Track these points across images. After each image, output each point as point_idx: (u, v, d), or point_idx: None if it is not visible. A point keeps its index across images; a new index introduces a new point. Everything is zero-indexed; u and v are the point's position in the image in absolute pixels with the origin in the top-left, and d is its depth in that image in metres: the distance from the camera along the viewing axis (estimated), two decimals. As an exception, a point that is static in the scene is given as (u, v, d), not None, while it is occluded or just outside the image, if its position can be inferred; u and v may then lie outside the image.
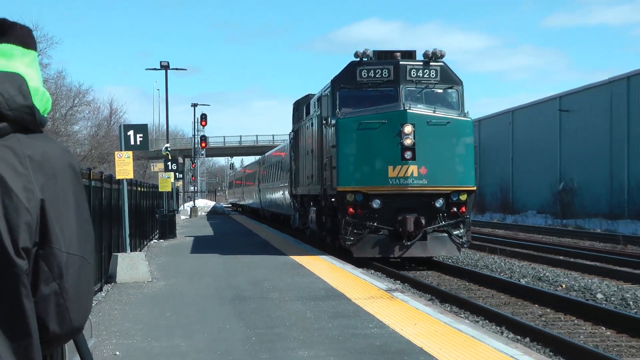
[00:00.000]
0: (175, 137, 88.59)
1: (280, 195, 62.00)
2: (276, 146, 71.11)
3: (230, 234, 53.34)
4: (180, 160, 67.77)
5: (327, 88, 34.41)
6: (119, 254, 24.84)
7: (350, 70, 33.90)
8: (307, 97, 43.43)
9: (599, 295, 22.91)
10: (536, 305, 22.32)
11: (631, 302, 21.02)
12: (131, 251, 26.33)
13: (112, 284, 23.81)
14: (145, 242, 38.26)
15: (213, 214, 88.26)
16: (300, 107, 45.96)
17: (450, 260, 37.17)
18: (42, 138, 3.37)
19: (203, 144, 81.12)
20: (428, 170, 31.42)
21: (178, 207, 63.43)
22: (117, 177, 25.69)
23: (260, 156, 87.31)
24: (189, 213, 78.29)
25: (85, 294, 3.38)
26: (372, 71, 33.73)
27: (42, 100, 3.39)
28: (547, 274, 29.48)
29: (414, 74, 33.13)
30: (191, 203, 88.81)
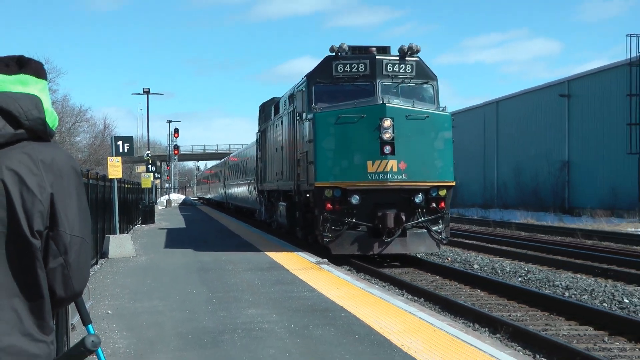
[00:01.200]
0: (154, 146, 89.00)
1: (245, 190, 54.45)
2: (232, 152, 73.53)
3: (198, 220, 55.53)
4: (158, 163, 68.70)
5: (302, 83, 28.36)
6: (111, 236, 26.44)
7: (326, 65, 28.01)
8: (273, 100, 38.59)
9: (475, 266, 25.99)
10: (429, 274, 24.19)
11: (499, 271, 24.47)
12: (120, 233, 28.42)
13: (105, 258, 25.04)
14: (131, 227, 40.95)
15: (184, 205, 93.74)
16: (267, 109, 40.37)
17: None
18: (51, 146, 3.49)
19: (175, 151, 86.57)
20: (407, 165, 25.83)
21: (156, 199, 64.72)
22: (109, 177, 27.64)
23: (224, 158, 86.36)
24: (164, 204, 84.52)
25: (84, 266, 3.49)
26: (348, 65, 27.72)
27: (51, 118, 3.52)
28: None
29: (390, 69, 27.28)
30: (166, 196, 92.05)
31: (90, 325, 4.99)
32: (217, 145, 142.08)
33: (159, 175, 72.93)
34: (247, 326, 12.79)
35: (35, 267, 3.36)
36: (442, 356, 10.63)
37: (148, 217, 49.49)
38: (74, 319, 9.50)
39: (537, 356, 12.79)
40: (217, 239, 35.07)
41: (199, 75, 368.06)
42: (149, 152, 68.25)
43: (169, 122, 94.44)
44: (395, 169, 24.38)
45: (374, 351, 10.64)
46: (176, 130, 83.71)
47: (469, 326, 15.21)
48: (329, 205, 24.44)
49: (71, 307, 8.40)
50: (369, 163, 24.61)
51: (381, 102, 24.68)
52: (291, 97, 28.82)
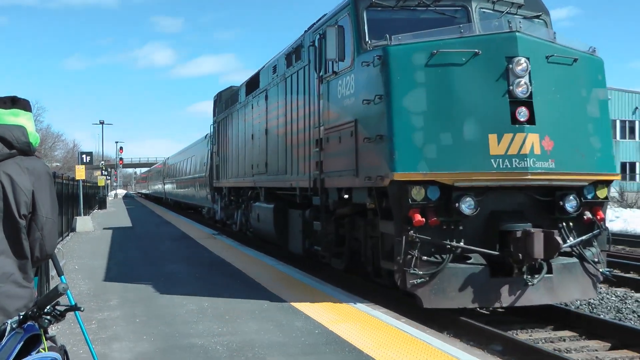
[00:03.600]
0: (106, 158, 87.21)
1: (189, 187, 40.79)
2: (166, 157, 69.10)
3: (139, 207, 59.22)
4: (109, 169, 68.60)
5: (341, 12, 11.80)
6: (77, 217, 28.10)
7: None
8: (231, 88, 25.03)
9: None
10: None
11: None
12: (83, 215, 30.06)
13: (74, 232, 26.14)
14: (91, 211, 40.43)
15: (126, 197, 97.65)
16: (224, 97, 25.10)
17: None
18: (33, 158, 3.66)
19: (120, 162, 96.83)
20: (555, 143, 9.96)
21: (107, 193, 63.35)
22: (77, 178, 30.01)
23: (157, 163, 78.31)
24: (113, 196, 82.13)
25: (53, 237, 3.72)
26: None
27: (34, 139, 3.69)
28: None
29: None
30: (115, 191, 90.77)
31: (62, 276, 5.47)
32: (147, 157, 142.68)
33: (109, 177, 75.67)
34: (169, 275, 13.67)
35: (21, 238, 3.52)
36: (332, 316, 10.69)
37: (102, 204, 54.71)
38: (53, 272, 9.82)
39: None
40: (147, 219, 36.26)
41: (143, 112, 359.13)
42: (103, 162, 74.57)
43: (117, 142, 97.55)
44: (537, 150, 9.88)
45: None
46: (121, 148, 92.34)
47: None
48: (417, 217, 9.70)
49: (51, 264, 8.89)
50: (492, 139, 9.96)
51: (508, 30, 10.13)
52: (296, 52, 14.66)
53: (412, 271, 9.31)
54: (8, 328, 3.32)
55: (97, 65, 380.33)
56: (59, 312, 3.51)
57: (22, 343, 3.34)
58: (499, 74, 9.70)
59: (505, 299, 9.66)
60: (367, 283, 12.35)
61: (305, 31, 14.12)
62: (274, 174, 16.27)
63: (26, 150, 3.62)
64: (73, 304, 4.12)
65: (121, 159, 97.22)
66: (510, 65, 9.55)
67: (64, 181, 23.75)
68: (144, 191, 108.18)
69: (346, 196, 11.60)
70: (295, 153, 14.29)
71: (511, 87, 9.55)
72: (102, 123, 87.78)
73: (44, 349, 3.47)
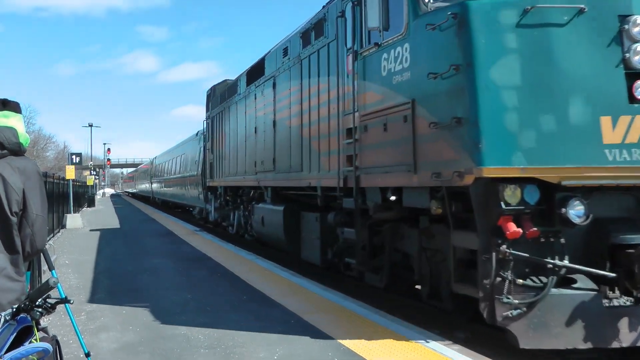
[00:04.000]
0: (95, 159, 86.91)
1: (179, 185, 36.29)
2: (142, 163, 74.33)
3: (125, 205, 58.40)
4: (97, 170, 68.88)
5: None
6: (68, 214, 27.94)
7: None
8: (225, 82, 21.88)
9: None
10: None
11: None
12: (73, 213, 29.93)
13: (64, 229, 25.96)
14: (80, 208, 39.45)
15: (114, 196, 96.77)
16: (218, 91, 21.96)
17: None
18: (24, 158, 3.64)
19: (108, 162, 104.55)
20: None
21: (96, 191, 63.16)
22: (67, 178, 29.58)
23: (143, 162, 73.20)
24: (101, 195, 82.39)
25: (43, 233, 3.68)
26: None
27: (24, 140, 3.66)
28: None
29: None
30: (103, 190, 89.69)
31: (53, 271, 5.41)
32: (134, 158, 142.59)
33: (97, 177, 76.54)
34: (154, 269, 13.71)
35: (13, 234, 3.48)
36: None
37: (91, 202, 54.67)
38: (44, 266, 9.77)
39: None
40: (134, 216, 35.86)
41: (128, 115, 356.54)
42: (91, 162, 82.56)
43: (105, 143, 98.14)
44: None
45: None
46: (109, 149, 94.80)
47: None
48: (512, 227, 6.61)
49: (43, 259, 8.86)
50: (606, 123, 6.86)
51: None
52: (316, 28, 11.78)
53: (504, 299, 6.61)
54: (2, 320, 3.42)
55: (86, 71, 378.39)
56: (50, 305, 3.61)
57: (15, 334, 3.46)
58: (610, 37, 6.98)
59: (626, 336, 6.75)
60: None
61: (328, 2, 11.35)
62: (284, 171, 13.53)
63: (17, 150, 3.60)
64: (63, 296, 4.19)
65: (109, 159, 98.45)
66: (625, 26, 6.89)
67: (55, 180, 23.80)
68: (130, 190, 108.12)
69: (393, 198, 8.67)
70: (315, 146, 11.52)
71: (627, 55, 6.89)
72: (90, 125, 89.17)
73: (36, 340, 3.58)
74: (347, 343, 7.15)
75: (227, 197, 20.58)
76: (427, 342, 7.18)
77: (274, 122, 14.30)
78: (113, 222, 31.20)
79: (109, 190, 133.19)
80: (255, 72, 16.52)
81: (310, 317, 8.49)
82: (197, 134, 29.67)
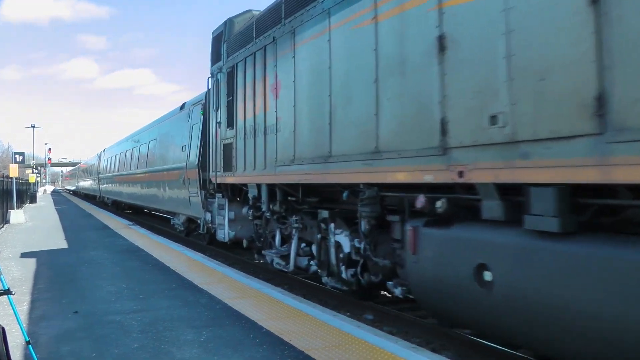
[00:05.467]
0: (37, 158, 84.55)
1: (147, 183, 23.06)
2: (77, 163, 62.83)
3: (64, 201, 56.57)
4: (39, 168, 66.79)
5: None
6: (12, 210, 27.04)
7: None
8: (250, 13, 12.24)
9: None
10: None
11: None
12: (17, 209, 28.69)
13: (8, 224, 25.16)
14: (23, 205, 36.81)
15: (54, 193, 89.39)
16: (245, 25, 11.69)
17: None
18: None
19: (49, 161, 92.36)
20: None
21: (37, 189, 61.07)
22: (10, 176, 29.56)
23: (100, 151, 45.57)
24: (42, 192, 79.08)
25: None
26: None
27: None
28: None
29: None
30: (44, 187, 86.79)
31: None
32: (72, 159, 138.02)
33: (39, 175, 73.16)
34: (92, 261, 13.47)
35: None
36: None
37: (33, 199, 53.95)
38: None
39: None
40: (72, 212, 34.81)
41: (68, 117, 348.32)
42: (34, 161, 74.86)
43: (46, 144, 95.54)
44: None
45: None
46: (50, 149, 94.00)
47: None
48: None
49: None
50: None
51: None
52: None
53: None
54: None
55: (30, 76, 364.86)
56: (-8, 296, 3.45)
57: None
58: None
59: None
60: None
61: None
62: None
63: None
64: (6, 288, 4.07)
65: (50, 158, 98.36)
66: None
67: (1, 178, 23.56)
68: (70, 188, 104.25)
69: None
70: None
71: None
72: (33, 127, 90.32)
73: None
74: (268, 325, 7.28)
75: (273, 207, 10.93)
76: (339, 322, 7.24)
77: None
78: (53, 217, 30.45)
79: (50, 188, 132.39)
80: None
81: (234, 303, 8.55)
82: (182, 107, 19.07)
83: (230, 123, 12.43)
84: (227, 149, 12.57)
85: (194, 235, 19.00)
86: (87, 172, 60.61)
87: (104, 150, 43.84)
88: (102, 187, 42.49)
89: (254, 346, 6.46)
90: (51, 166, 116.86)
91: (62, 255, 14.53)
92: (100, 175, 43.81)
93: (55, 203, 51.55)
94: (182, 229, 19.35)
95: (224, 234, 13.50)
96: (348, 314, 8.69)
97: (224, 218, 13.43)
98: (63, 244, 16.97)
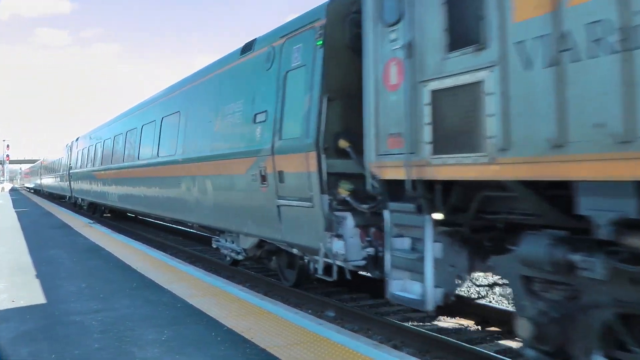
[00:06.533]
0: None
1: (155, 181, 15.45)
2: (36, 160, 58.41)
3: (23, 199, 53.04)
4: None
5: None
6: None
7: None
8: None
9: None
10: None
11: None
12: None
13: None
14: None
15: (12, 191, 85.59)
16: None
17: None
18: None
19: (7, 158, 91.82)
20: None
21: (-4, 186, 61.10)
22: None
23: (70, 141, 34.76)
24: (0, 190, 74.37)
25: None
26: None
27: None
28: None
29: None
30: (2, 185, 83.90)
31: None
32: (33, 157, 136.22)
33: None
34: (52, 260, 13.17)
35: None
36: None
37: None
38: None
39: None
40: (32, 210, 33.56)
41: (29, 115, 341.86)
42: None
43: (4, 140, 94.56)
44: None
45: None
46: (8, 145, 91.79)
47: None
48: None
49: None
50: None
51: None
52: None
53: None
54: None
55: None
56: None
57: None
58: None
59: None
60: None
61: None
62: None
63: None
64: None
65: (8, 155, 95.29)
66: None
67: None
68: (29, 185, 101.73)
69: None
70: None
71: None
72: None
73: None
74: (230, 323, 7.26)
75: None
76: (301, 319, 7.28)
77: None
78: (12, 215, 29.61)
79: (8, 185, 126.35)
80: None
81: (196, 301, 8.52)
82: (249, 48, 10.58)
83: (467, 36, 5.48)
84: (457, 100, 5.55)
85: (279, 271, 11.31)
86: (51, 167, 49.83)
87: (77, 139, 33.45)
88: (75, 185, 33.10)
89: (215, 344, 6.42)
90: (10, 163, 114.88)
91: (22, 254, 14.00)
92: (71, 171, 33.95)
93: (14, 201, 49.80)
94: (240, 257, 11.67)
95: (420, 290, 6.38)
96: (310, 311, 8.82)
97: (421, 256, 6.37)
98: (23, 243, 16.44)
